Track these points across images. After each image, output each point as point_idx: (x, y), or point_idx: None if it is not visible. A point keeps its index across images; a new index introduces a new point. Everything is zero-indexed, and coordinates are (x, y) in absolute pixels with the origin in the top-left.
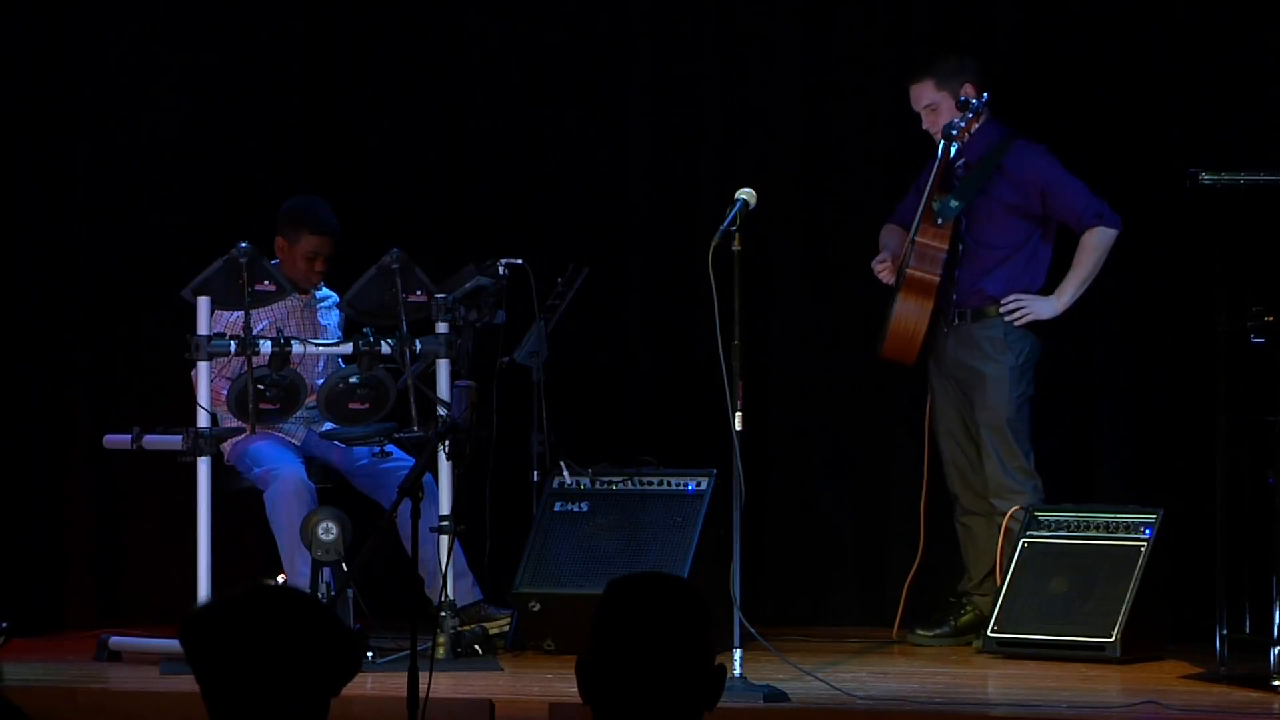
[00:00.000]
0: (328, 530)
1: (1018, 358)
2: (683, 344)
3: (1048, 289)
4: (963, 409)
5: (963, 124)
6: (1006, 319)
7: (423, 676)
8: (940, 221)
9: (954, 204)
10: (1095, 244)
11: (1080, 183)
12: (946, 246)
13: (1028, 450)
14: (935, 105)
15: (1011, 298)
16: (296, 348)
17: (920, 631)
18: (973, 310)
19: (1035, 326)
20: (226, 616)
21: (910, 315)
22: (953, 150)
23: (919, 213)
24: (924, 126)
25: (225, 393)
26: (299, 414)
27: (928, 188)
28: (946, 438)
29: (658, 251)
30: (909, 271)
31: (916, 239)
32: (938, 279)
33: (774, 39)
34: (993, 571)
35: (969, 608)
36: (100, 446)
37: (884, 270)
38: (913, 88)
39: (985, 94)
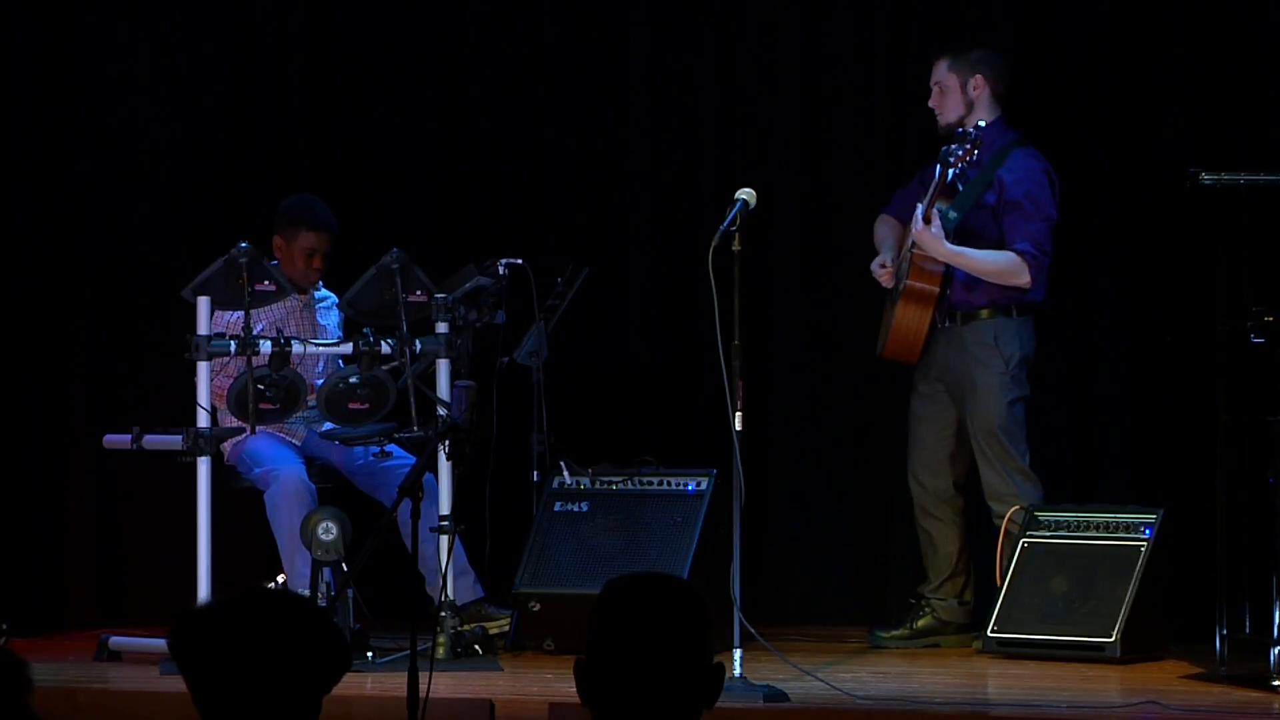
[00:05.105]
0: (328, 530)
1: (1008, 363)
2: (683, 344)
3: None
4: (956, 409)
5: (960, 151)
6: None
7: (423, 676)
8: None
9: (952, 215)
10: (1004, 262)
11: (1044, 223)
12: None
13: (1023, 451)
14: (942, 85)
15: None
16: (296, 348)
17: (879, 633)
18: (963, 314)
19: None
20: (212, 621)
21: (911, 321)
22: (950, 174)
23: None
24: (930, 103)
25: (226, 390)
26: (300, 413)
27: (925, 201)
28: (927, 437)
29: (658, 251)
30: (909, 283)
31: (913, 251)
32: (937, 290)
33: (773, 38)
34: (951, 576)
35: (926, 611)
36: (100, 446)
37: (884, 275)
38: (934, 62)
39: (980, 123)
